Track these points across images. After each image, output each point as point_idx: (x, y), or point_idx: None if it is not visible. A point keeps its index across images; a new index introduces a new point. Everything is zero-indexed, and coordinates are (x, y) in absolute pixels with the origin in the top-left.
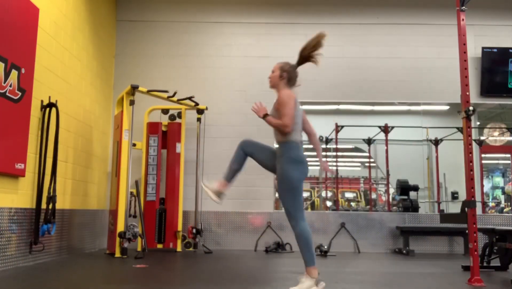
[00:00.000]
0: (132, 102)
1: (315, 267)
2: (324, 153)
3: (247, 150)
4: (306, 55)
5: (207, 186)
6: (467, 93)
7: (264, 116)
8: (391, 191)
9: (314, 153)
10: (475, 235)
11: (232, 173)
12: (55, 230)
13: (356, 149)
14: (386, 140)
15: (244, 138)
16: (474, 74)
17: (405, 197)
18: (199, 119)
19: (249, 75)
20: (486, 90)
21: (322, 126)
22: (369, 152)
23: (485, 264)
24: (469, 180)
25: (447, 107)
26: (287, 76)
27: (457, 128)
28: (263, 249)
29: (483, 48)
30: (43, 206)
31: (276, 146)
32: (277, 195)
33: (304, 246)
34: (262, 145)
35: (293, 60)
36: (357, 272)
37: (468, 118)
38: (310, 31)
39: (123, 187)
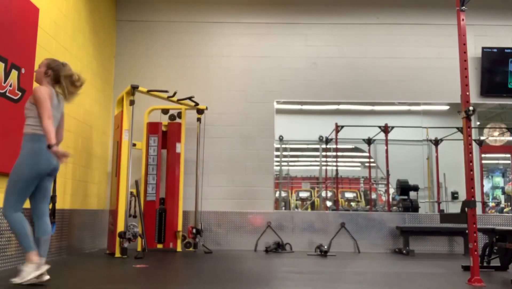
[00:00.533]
0: (132, 102)
1: (34, 252)
2: (324, 153)
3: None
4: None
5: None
6: (467, 93)
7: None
8: (391, 191)
9: (315, 153)
10: (475, 235)
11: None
12: (55, 230)
13: (356, 149)
14: (386, 140)
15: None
16: (474, 74)
17: (405, 197)
18: (199, 119)
19: (249, 75)
20: (486, 90)
21: (322, 126)
22: (369, 152)
23: (485, 264)
24: (469, 180)
25: (447, 107)
26: (52, 74)
27: (457, 128)
28: (263, 249)
29: (483, 48)
30: None
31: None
32: (277, 194)
33: (17, 235)
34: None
35: (294, 60)
36: (357, 272)
37: (468, 118)
38: (310, 31)
39: (123, 187)
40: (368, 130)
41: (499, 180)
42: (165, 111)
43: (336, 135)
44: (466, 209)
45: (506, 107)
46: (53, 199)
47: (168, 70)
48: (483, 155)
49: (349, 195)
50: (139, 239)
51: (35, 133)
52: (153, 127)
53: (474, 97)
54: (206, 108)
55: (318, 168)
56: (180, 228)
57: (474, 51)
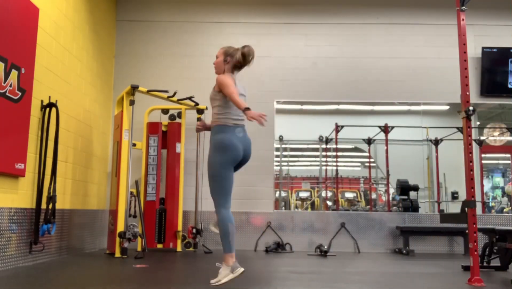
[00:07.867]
0: (132, 102)
1: (232, 254)
2: (324, 153)
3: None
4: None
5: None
6: (467, 93)
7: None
8: (391, 191)
9: (315, 153)
10: (475, 235)
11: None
12: (55, 230)
13: (356, 149)
14: (386, 140)
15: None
16: (474, 74)
17: (405, 197)
18: (199, 119)
19: (249, 75)
20: (486, 90)
21: (322, 126)
22: (369, 152)
23: (485, 264)
24: (469, 180)
25: (447, 107)
26: (230, 60)
27: (457, 128)
28: (263, 249)
29: (483, 48)
30: (43, 206)
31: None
32: (277, 194)
33: (222, 234)
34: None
35: (294, 60)
36: (357, 272)
37: (468, 118)
38: (310, 31)
39: (123, 187)
40: (368, 130)
41: (499, 180)
42: (165, 111)
43: (336, 135)
44: (466, 209)
45: (506, 107)
46: (53, 199)
47: (168, 70)
48: (483, 155)
49: (349, 195)
50: (139, 239)
51: (221, 124)
52: (153, 127)
53: (474, 97)
54: (206, 108)
55: (318, 168)
56: (180, 228)
57: (474, 51)
